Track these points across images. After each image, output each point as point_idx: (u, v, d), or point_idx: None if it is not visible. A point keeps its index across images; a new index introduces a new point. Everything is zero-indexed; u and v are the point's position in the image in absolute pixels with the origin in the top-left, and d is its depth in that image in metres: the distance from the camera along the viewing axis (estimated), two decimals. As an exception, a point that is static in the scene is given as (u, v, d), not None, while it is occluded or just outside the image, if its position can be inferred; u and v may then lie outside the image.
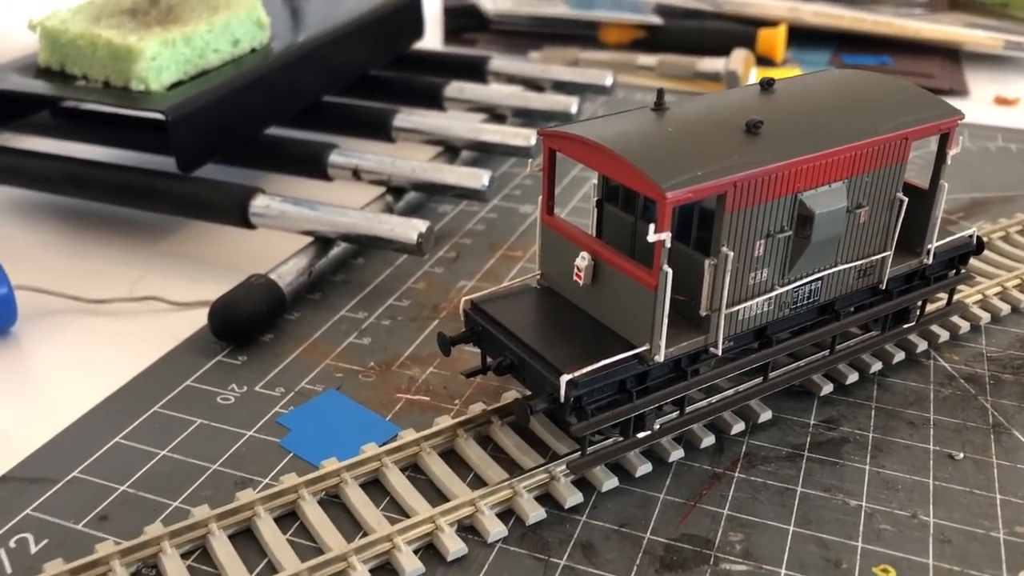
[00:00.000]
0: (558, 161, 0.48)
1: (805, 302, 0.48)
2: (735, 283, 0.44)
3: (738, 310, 0.45)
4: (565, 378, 0.42)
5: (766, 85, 0.49)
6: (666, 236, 0.41)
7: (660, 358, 0.43)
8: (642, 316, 0.43)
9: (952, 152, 0.51)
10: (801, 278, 0.47)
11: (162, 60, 0.69)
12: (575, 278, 0.46)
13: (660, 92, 0.47)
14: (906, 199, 0.49)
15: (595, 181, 0.49)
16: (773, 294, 0.46)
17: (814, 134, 0.45)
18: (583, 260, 0.45)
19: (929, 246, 0.52)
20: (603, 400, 0.44)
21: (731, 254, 0.43)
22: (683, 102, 0.48)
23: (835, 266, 0.48)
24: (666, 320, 0.43)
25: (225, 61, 0.74)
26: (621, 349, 0.44)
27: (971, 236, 0.55)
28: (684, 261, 0.45)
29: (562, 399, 0.42)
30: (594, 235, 0.50)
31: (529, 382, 0.45)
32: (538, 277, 0.50)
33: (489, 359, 0.48)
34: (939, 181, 0.51)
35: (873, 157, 0.47)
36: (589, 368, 0.42)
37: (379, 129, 0.79)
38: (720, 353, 0.45)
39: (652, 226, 0.41)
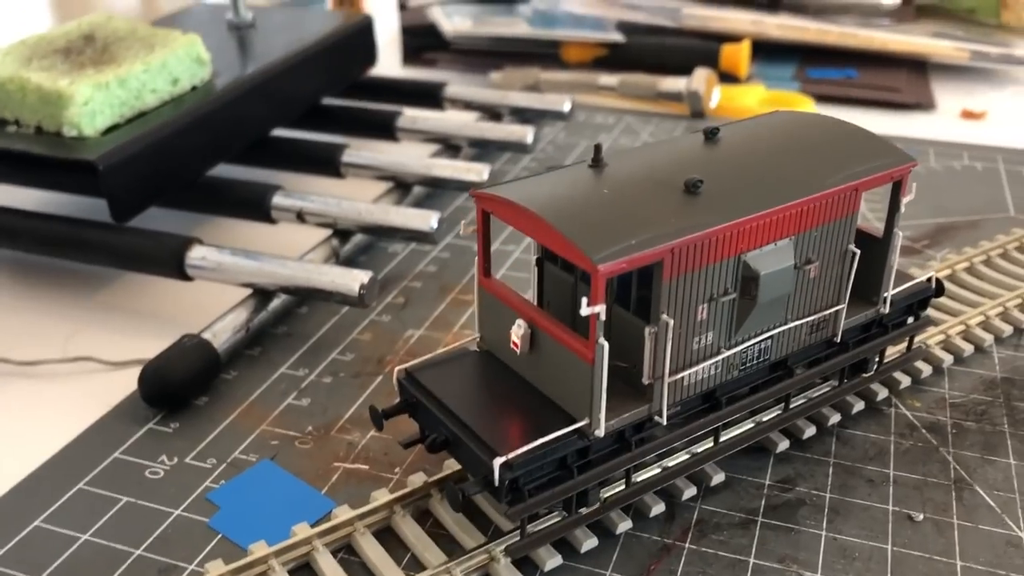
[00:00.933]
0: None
1: (755, 362, 0.46)
2: (678, 349, 0.42)
3: (683, 376, 0.43)
4: (499, 461, 0.39)
5: (710, 134, 0.47)
6: (600, 309, 0.39)
7: (600, 432, 0.41)
8: (580, 389, 0.41)
9: (906, 199, 0.49)
10: (749, 339, 0.45)
11: (95, 104, 0.66)
12: (512, 346, 0.44)
13: (597, 148, 0.44)
14: (858, 251, 0.47)
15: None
16: (720, 357, 0.44)
17: (758, 191, 0.43)
18: (519, 328, 0.43)
19: (885, 295, 0.50)
20: (542, 478, 0.42)
21: (671, 321, 0.41)
22: (622, 156, 0.46)
23: (785, 323, 0.46)
24: (604, 394, 0.41)
25: (164, 101, 0.71)
26: (560, 424, 0.41)
27: (929, 280, 0.53)
28: (625, 326, 0.43)
29: (496, 482, 0.40)
30: (535, 294, 0.48)
31: (463, 460, 0.43)
32: (478, 340, 0.48)
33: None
34: (893, 229, 0.49)
35: (821, 211, 0.45)
36: (525, 448, 0.40)
37: (327, 165, 0.76)
38: (664, 422, 0.43)
39: (584, 300, 0.38)
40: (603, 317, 0.39)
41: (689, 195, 0.42)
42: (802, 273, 0.45)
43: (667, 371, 0.42)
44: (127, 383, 0.56)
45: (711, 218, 0.41)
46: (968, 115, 1.00)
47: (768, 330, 0.45)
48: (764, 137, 0.48)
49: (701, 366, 0.44)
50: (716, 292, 0.43)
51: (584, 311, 0.39)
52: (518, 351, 0.44)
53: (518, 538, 0.42)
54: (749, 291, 0.43)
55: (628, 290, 0.44)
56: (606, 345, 0.40)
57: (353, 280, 0.58)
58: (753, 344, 0.45)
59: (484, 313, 0.47)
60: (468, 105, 0.90)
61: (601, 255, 0.38)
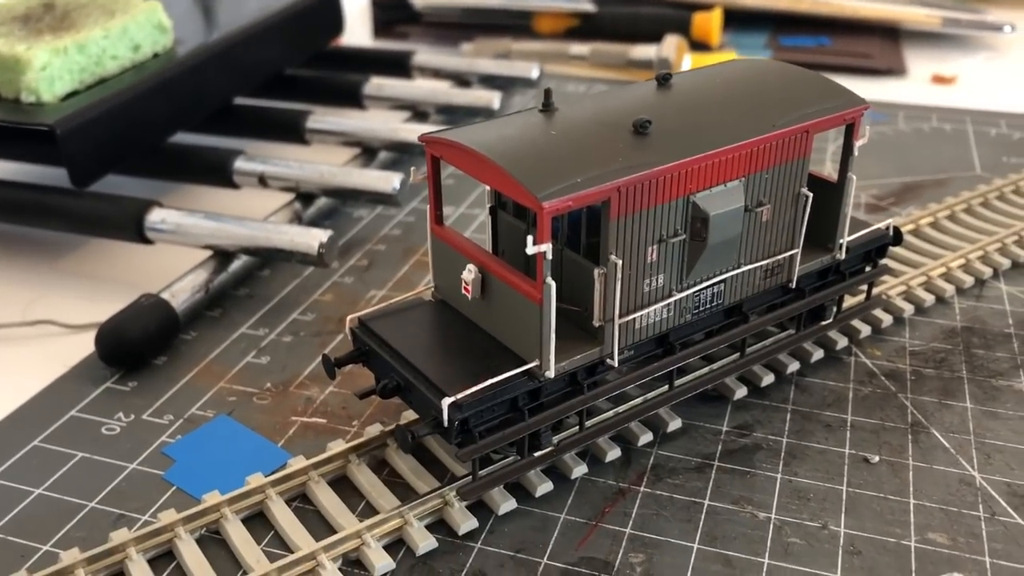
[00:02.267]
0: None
1: (708, 306, 0.46)
2: (628, 291, 0.42)
3: (634, 319, 0.43)
4: (447, 401, 0.39)
5: (662, 80, 0.47)
6: (546, 248, 0.39)
7: (551, 374, 0.41)
8: (530, 330, 0.41)
9: (859, 143, 0.49)
10: (701, 282, 0.45)
11: (53, 70, 0.65)
12: (463, 291, 0.44)
13: (547, 92, 0.44)
14: (811, 195, 0.47)
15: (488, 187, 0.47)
16: (671, 300, 0.44)
17: (707, 132, 0.43)
18: (469, 273, 0.43)
19: (841, 241, 0.50)
20: (494, 420, 0.42)
21: (620, 262, 0.41)
22: (573, 102, 0.45)
23: (738, 267, 0.46)
24: (553, 334, 0.40)
25: (125, 68, 0.71)
26: (511, 366, 0.41)
27: (887, 228, 0.53)
28: (576, 269, 0.43)
29: (445, 423, 0.40)
30: (490, 244, 0.48)
31: (415, 405, 0.43)
32: (432, 290, 0.48)
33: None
34: (847, 173, 0.49)
35: (772, 153, 0.45)
36: (474, 389, 0.40)
37: (292, 131, 0.76)
38: (616, 364, 0.43)
39: (530, 238, 0.38)
40: (550, 256, 0.39)
41: (638, 135, 0.42)
42: (753, 216, 0.45)
43: (617, 313, 0.42)
44: (86, 345, 0.56)
45: (659, 157, 0.41)
46: (939, 80, 1.00)
47: (720, 273, 0.45)
48: (716, 82, 0.48)
49: (652, 308, 0.43)
50: (666, 233, 0.42)
51: (530, 250, 0.39)
52: (469, 296, 0.44)
53: (471, 481, 0.42)
54: (699, 232, 0.43)
55: (579, 235, 0.44)
56: (553, 284, 0.39)
57: (312, 238, 0.58)
58: (705, 287, 0.45)
59: (437, 261, 0.47)
60: (437, 73, 0.90)
61: (546, 192, 0.38)
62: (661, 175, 0.41)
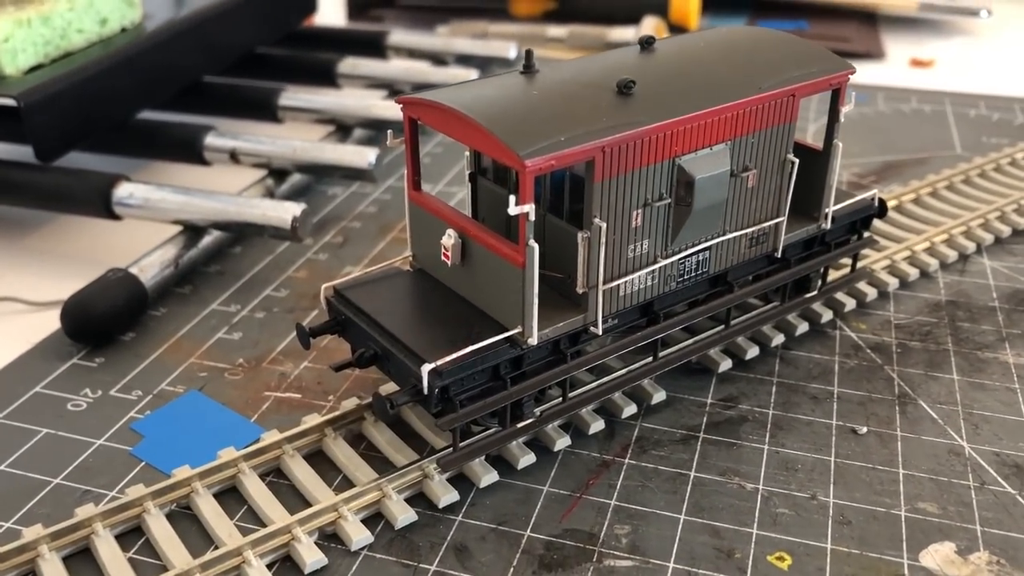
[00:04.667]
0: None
1: (693, 274, 0.45)
2: (612, 257, 0.41)
3: (618, 285, 0.42)
4: (427, 368, 0.38)
5: (646, 44, 0.46)
6: (529, 208, 0.37)
7: (534, 341, 0.40)
8: (512, 296, 0.40)
9: (845, 109, 0.48)
10: (685, 249, 0.44)
11: (16, 42, 0.63)
12: (443, 258, 0.43)
13: (528, 53, 0.43)
14: (796, 160, 0.46)
15: (468, 153, 0.46)
16: (656, 267, 0.43)
17: (692, 93, 0.42)
18: (449, 238, 0.42)
19: (827, 210, 0.49)
20: (475, 389, 0.40)
21: (604, 226, 0.40)
22: (556, 65, 0.44)
23: (723, 234, 0.45)
24: (536, 300, 0.39)
25: (92, 42, 0.69)
26: (492, 333, 0.40)
27: (873, 198, 0.52)
28: (559, 235, 0.42)
29: (425, 391, 0.38)
30: (470, 211, 0.46)
31: (394, 374, 0.42)
32: (410, 259, 0.46)
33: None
34: (833, 140, 0.48)
35: (758, 116, 0.44)
36: (454, 355, 0.39)
37: (264, 109, 0.74)
38: (600, 332, 0.42)
39: (512, 198, 0.37)
40: (532, 217, 0.38)
41: (622, 96, 0.41)
42: (739, 181, 0.44)
43: (601, 279, 0.41)
44: (52, 322, 0.54)
45: (644, 117, 0.40)
46: (917, 63, 1.00)
47: (705, 240, 0.44)
48: (701, 46, 0.47)
49: (637, 275, 0.42)
50: (650, 197, 0.41)
51: (512, 210, 0.37)
52: (449, 263, 0.42)
53: (451, 452, 0.41)
54: (684, 197, 0.42)
55: (561, 200, 0.43)
56: (536, 247, 0.38)
57: (285, 212, 0.56)
58: (690, 255, 0.44)
59: (415, 228, 0.45)
60: (412, 53, 0.88)
61: (528, 150, 0.37)
62: (646, 136, 0.40)
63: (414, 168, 0.44)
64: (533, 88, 0.41)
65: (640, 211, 0.41)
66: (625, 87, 0.41)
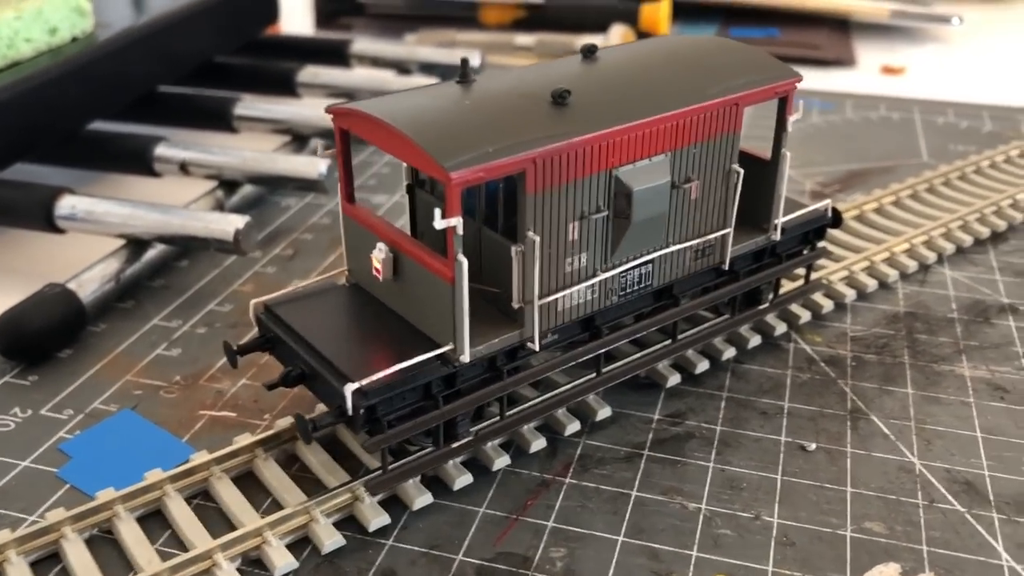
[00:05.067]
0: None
1: (636, 287, 0.44)
2: (548, 271, 0.40)
3: (555, 300, 0.41)
4: (350, 387, 0.37)
5: (587, 53, 0.45)
6: (456, 222, 0.36)
7: (466, 358, 0.39)
8: (443, 312, 0.39)
9: (793, 118, 0.47)
10: (626, 262, 0.43)
11: (-40, 51, 0.62)
12: (374, 273, 0.41)
13: (464, 62, 0.42)
14: (741, 171, 0.45)
15: (405, 165, 0.45)
16: (595, 280, 0.42)
17: (631, 103, 0.41)
18: (380, 252, 0.41)
19: (776, 221, 0.48)
20: (406, 408, 0.39)
21: (538, 239, 0.38)
22: (493, 74, 0.43)
23: (666, 247, 0.44)
24: (467, 315, 0.38)
25: (40, 52, 0.67)
26: (424, 351, 0.39)
27: (826, 208, 0.51)
28: (494, 249, 0.41)
29: (350, 411, 0.37)
30: (409, 224, 0.45)
31: (320, 394, 0.40)
32: (346, 273, 0.45)
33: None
34: (781, 150, 0.47)
35: (700, 126, 0.43)
36: (380, 375, 0.37)
37: (219, 119, 0.73)
38: (538, 348, 0.41)
39: (437, 211, 0.36)
40: (460, 231, 0.37)
41: (556, 106, 0.40)
42: (681, 192, 0.43)
43: (537, 294, 0.40)
44: (-13, 339, 0.53)
45: (578, 127, 0.39)
46: (888, 71, 0.99)
47: (647, 253, 0.43)
48: (643, 54, 0.46)
49: (575, 289, 0.41)
50: (587, 209, 0.40)
51: (438, 224, 0.36)
52: (380, 277, 0.41)
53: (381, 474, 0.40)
54: (623, 209, 0.41)
55: (496, 213, 0.42)
56: (464, 261, 0.37)
57: (228, 224, 0.55)
58: (631, 268, 0.43)
59: (350, 241, 0.44)
60: (376, 62, 0.87)
61: (454, 162, 0.36)
62: (580, 146, 0.39)
63: (347, 180, 0.43)
64: (466, 98, 0.40)
65: (576, 224, 0.40)
66: (560, 97, 0.40)
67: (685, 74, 0.44)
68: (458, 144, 0.37)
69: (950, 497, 0.42)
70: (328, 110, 0.41)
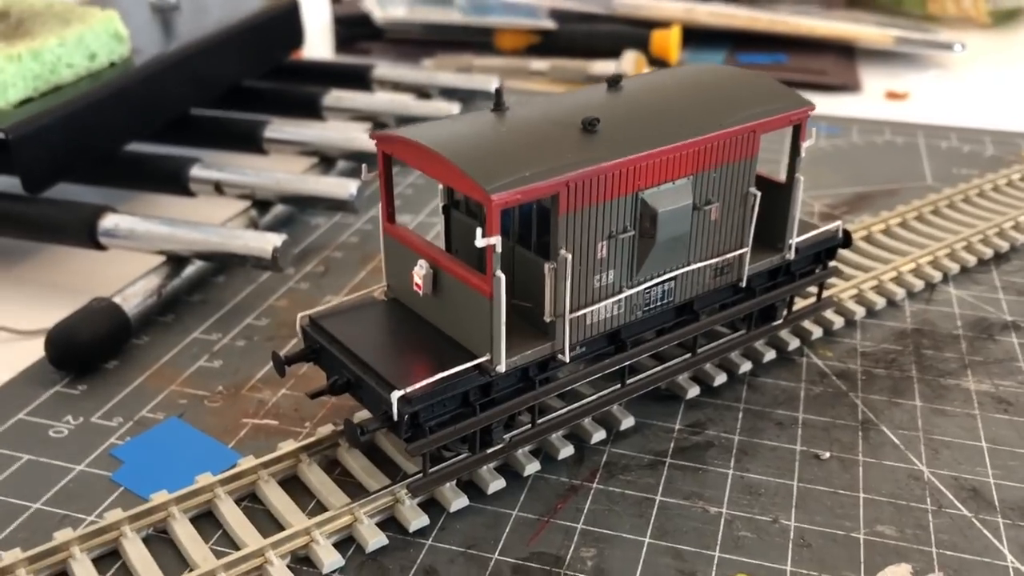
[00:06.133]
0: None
1: (659, 303, 0.46)
2: (578, 287, 0.43)
3: (584, 314, 0.43)
4: (396, 394, 0.39)
5: (613, 82, 0.48)
6: (496, 241, 0.39)
7: (502, 368, 0.41)
8: (481, 325, 0.41)
9: (806, 144, 0.49)
10: (651, 279, 0.45)
11: (7, 76, 0.65)
12: (415, 288, 0.44)
13: (498, 92, 0.45)
14: (759, 194, 0.47)
15: (441, 186, 0.47)
16: (621, 296, 0.44)
17: (655, 130, 0.44)
18: (421, 269, 0.43)
19: (790, 241, 0.51)
20: (445, 415, 0.41)
21: (569, 257, 0.41)
22: (525, 102, 0.46)
23: (688, 265, 0.46)
24: (504, 328, 0.41)
25: (80, 76, 0.70)
26: (462, 361, 0.41)
27: (837, 229, 0.54)
28: (527, 266, 0.43)
29: (395, 417, 0.39)
30: (444, 243, 0.48)
31: (366, 401, 0.43)
32: (384, 289, 0.48)
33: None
34: (795, 174, 0.50)
35: (720, 152, 0.45)
36: (424, 382, 0.40)
37: (250, 141, 0.76)
38: (568, 360, 0.43)
39: (479, 230, 0.39)
40: (499, 249, 0.39)
41: (587, 133, 0.42)
42: (702, 214, 0.46)
43: (568, 308, 0.42)
44: (36, 350, 0.55)
45: (607, 153, 0.41)
46: (892, 96, 1.02)
47: (670, 271, 0.46)
48: (666, 84, 0.48)
49: (603, 304, 0.44)
50: (615, 229, 0.43)
51: (479, 242, 0.39)
52: (421, 293, 0.44)
53: (421, 477, 0.42)
54: (648, 229, 0.44)
55: (530, 232, 0.44)
56: (503, 277, 0.40)
57: (267, 242, 0.57)
58: (655, 284, 0.46)
59: (390, 259, 0.47)
60: (396, 86, 0.90)
61: (494, 185, 0.39)
62: (609, 171, 0.41)
63: (388, 201, 0.46)
64: (502, 126, 0.43)
65: (605, 243, 0.43)
66: (589, 124, 0.42)
67: (705, 103, 0.46)
68: (497, 168, 0.39)
69: (957, 503, 0.45)
70: (372, 135, 0.44)
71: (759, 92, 0.48)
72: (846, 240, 0.55)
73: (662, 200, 0.43)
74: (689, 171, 0.44)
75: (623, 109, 0.45)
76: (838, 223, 0.54)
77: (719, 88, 0.48)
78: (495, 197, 0.38)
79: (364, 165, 0.45)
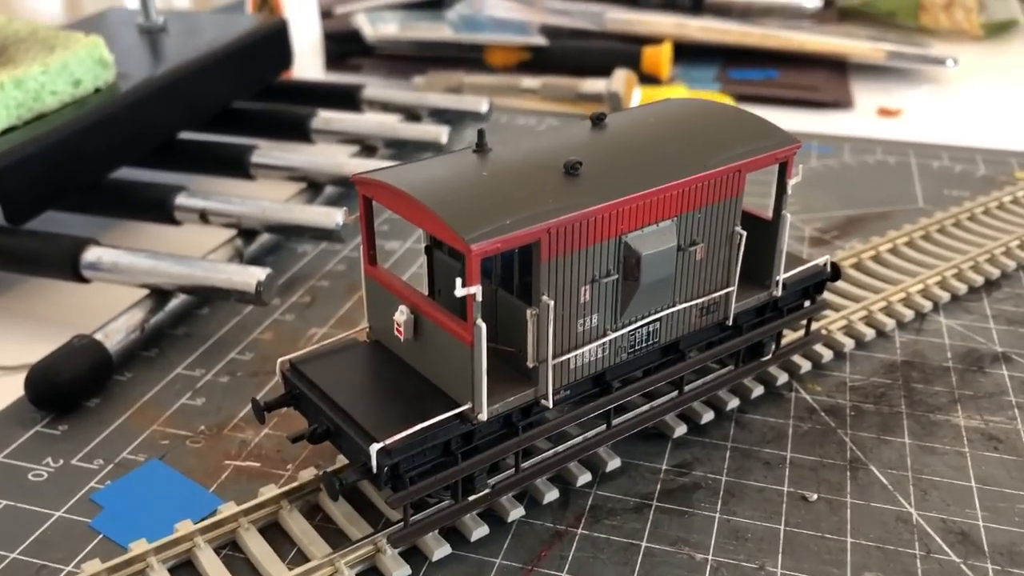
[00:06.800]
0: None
1: (644, 344, 0.46)
2: (561, 331, 0.42)
3: (568, 359, 0.43)
4: (376, 447, 0.39)
5: (597, 120, 0.47)
6: (475, 290, 0.38)
7: (483, 416, 0.41)
8: (462, 372, 0.41)
9: (792, 181, 0.49)
10: (635, 321, 0.45)
11: (-11, 105, 0.64)
12: (396, 333, 0.43)
13: (480, 133, 0.44)
14: (744, 233, 0.47)
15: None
16: (606, 340, 0.44)
17: (638, 173, 0.43)
18: (401, 315, 0.43)
19: (777, 278, 0.50)
20: (426, 465, 0.41)
21: (551, 303, 0.41)
22: (508, 143, 0.45)
23: (673, 306, 0.46)
24: (484, 377, 0.40)
25: (64, 103, 0.70)
26: (443, 409, 0.41)
27: (825, 264, 0.53)
28: (510, 310, 0.43)
29: (374, 469, 0.39)
30: (426, 284, 0.47)
31: (345, 450, 0.42)
32: (367, 331, 0.47)
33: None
34: (781, 212, 0.49)
35: (704, 192, 0.45)
36: (404, 433, 0.39)
37: (237, 166, 0.75)
38: (551, 405, 0.43)
39: (459, 280, 0.38)
40: (479, 298, 0.39)
41: (568, 177, 0.42)
42: (687, 255, 0.45)
43: (551, 353, 0.42)
44: (17, 387, 0.54)
45: (589, 198, 0.41)
46: (884, 112, 1.02)
47: (655, 312, 0.45)
48: (650, 122, 0.48)
49: (587, 348, 0.43)
50: (598, 274, 0.42)
51: (459, 292, 0.38)
52: (402, 338, 0.43)
53: (402, 527, 0.42)
54: (632, 272, 0.43)
55: (512, 275, 0.44)
56: (483, 326, 0.39)
57: (250, 277, 0.57)
58: (640, 327, 0.45)
59: (371, 302, 0.46)
60: (386, 107, 0.89)
61: (474, 234, 0.38)
62: (592, 216, 0.41)
63: (369, 244, 0.45)
64: (483, 168, 0.43)
65: (588, 287, 0.42)
66: (572, 168, 0.42)
67: (690, 143, 0.46)
68: (477, 216, 0.39)
69: (946, 547, 0.44)
70: (352, 179, 0.44)
71: (744, 130, 0.48)
72: (835, 274, 0.54)
73: (646, 243, 0.43)
74: (673, 213, 0.44)
75: (606, 150, 0.45)
76: (826, 257, 0.54)
77: (704, 127, 0.47)
78: (475, 247, 0.38)
79: (345, 209, 0.44)
